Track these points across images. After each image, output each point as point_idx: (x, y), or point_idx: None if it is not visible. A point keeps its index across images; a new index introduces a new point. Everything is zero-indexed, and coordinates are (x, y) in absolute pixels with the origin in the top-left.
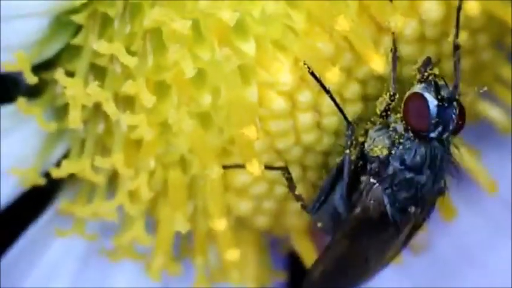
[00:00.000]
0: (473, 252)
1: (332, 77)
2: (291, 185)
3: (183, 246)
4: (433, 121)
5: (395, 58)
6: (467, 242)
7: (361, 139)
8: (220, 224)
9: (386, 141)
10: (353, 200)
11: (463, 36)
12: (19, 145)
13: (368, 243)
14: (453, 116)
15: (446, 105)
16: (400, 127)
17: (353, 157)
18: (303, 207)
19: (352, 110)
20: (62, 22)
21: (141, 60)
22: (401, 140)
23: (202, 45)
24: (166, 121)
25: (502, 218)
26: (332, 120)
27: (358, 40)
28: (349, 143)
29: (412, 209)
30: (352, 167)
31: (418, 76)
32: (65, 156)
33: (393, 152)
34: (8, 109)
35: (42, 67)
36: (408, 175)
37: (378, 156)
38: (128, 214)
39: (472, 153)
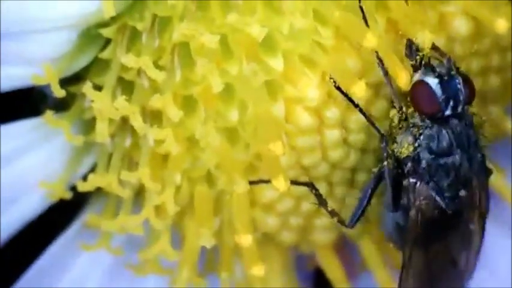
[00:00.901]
0: (496, 269)
1: (359, 90)
2: (321, 200)
3: (209, 261)
4: (441, 99)
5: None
6: (491, 259)
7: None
8: (246, 240)
9: (410, 138)
10: (404, 207)
11: (494, 56)
12: (46, 158)
13: (444, 245)
14: (458, 86)
15: (447, 79)
16: (416, 120)
17: (390, 166)
18: (341, 222)
19: (380, 126)
20: (91, 35)
21: (169, 75)
22: (421, 131)
23: (230, 60)
24: (193, 136)
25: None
26: (359, 136)
27: (386, 57)
28: (385, 154)
29: (463, 192)
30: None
31: (411, 63)
32: (92, 170)
33: (418, 145)
34: (35, 122)
35: (70, 80)
36: (441, 161)
37: (408, 156)
38: (154, 228)
39: (497, 170)
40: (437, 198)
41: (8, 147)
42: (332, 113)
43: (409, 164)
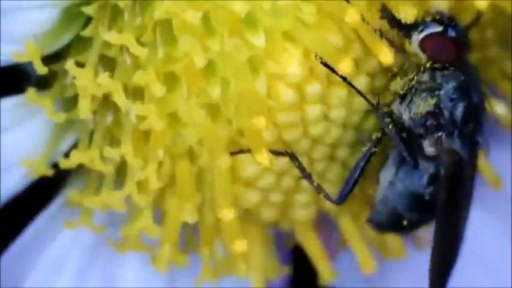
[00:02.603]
0: (477, 249)
1: (345, 67)
2: (305, 174)
3: (189, 240)
4: (460, 41)
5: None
6: (471, 238)
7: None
8: (229, 214)
9: (424, 94)
10: (429, 174)
11: (473, 32)
12: (28, 136)
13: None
14: (461, 26)
15: (453, 24)
16: (425, 75)
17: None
18: (327, 198)
19: (360, 101)
20: (72, 14)
21: (152, 52)
22: (438, 81)
23: (212, 37)
24: (176, 112)
25: (507, 214)
26: (340, 112)
27: (367, 32)
28: (387, 120)
29: (479, 138)
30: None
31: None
32: (73, 148)
33: (437, 95)
34: (17, 100)
35: (51, 59)
36: (462, 103)
37: (427, 112)
38: (136, 205)
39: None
40: (461, 151)
41: None
42: (313, 88)
43: (430, 121)
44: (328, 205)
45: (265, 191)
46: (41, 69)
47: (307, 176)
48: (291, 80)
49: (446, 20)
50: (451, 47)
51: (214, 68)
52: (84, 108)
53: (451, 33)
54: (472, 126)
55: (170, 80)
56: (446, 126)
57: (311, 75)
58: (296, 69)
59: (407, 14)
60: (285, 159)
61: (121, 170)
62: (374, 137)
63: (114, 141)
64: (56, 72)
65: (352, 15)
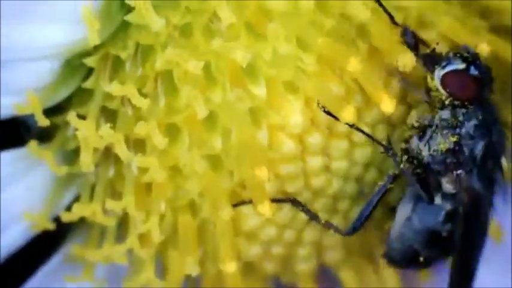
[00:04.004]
0: None
1: (347, 115)
2: (311, 214)
3: None
4: (481, 80)
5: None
6: None
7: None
8: (231, 267)
9: (446, 131)
10: (447, 211)
11: None
12: (29, 189)
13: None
14: (484, 64)
15: (477, 62)
16: (446, 112)
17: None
18: (338, 231)
19: (361, 153)
20: (72, 66)
21: (153, 102)
22: (459, 118)
23: (213, 87)
24: (177, 164)
25: (507, 265)
26: (341, 164)
27: (368, 82)
28: (398, 159)
29: (499, 175)
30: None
31: (425, 60)
32: (75, 201)
33: (458, 132)
34: (19, 153)
35: (52, 112)
36: (482, 143)
37: (447, 149)
38: (138, 258)
39: None
40: (480, 187)
41: None
42: (315, 139)
43: (450, 159)
44: (330, 259)
45: (267, 244)
46: (43, 122)
47: (313, 216)
48: (293, 130)
49: (470, 58)
50: (471, 85)
51: (216, 118)
52: (86, 161)
53: (473, 71)
54: (491, 165)
55: (172, 131)
56: (466, 164)
57: (312, 126)
58: (297, 120)
59: (405, 61)
60: (287, 211)
61: (123, 223)
62: (391, 173)
63: (116, 194)
64: (57, 124)
65: (354, 64)
